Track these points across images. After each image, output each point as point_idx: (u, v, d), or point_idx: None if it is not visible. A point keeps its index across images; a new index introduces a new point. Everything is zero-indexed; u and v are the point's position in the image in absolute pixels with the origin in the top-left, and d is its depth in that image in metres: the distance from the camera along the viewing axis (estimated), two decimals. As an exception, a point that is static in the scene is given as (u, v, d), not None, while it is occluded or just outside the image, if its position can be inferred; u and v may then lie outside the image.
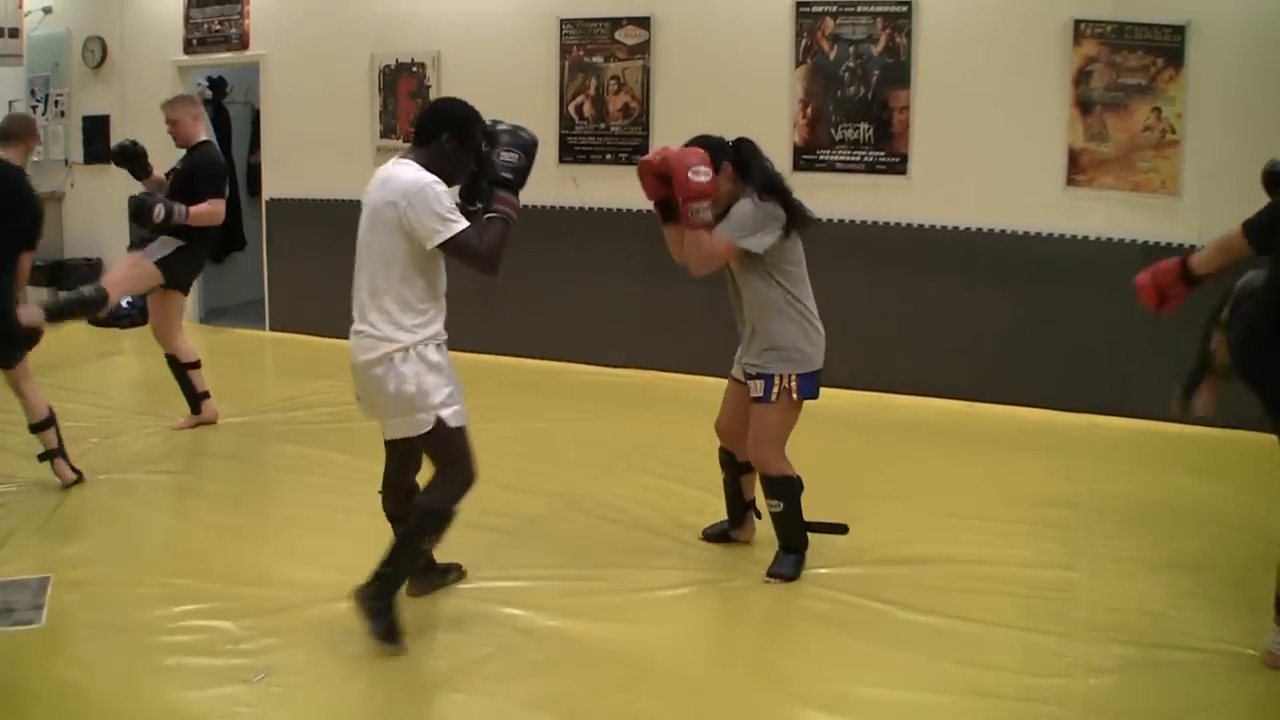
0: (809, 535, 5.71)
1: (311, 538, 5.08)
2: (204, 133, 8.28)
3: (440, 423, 4.74)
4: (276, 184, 11.89)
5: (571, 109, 10.30)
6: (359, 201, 4.85)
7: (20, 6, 13.45)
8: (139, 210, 7.72)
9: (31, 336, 6.86)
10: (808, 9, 9.28)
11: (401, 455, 4.99)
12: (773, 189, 5.41)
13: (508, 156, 4.80)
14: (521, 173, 4.86)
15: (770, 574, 5.58)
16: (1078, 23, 8.50)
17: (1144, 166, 8.47)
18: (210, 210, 7.92)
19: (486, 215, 4.75)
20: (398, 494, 5.14)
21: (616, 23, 10.02)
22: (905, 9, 8.98)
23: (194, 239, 8.00)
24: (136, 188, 8.24)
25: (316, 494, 5.10)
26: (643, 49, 9.96)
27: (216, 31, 11.98)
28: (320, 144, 11.02)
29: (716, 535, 6.08)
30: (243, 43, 11.87)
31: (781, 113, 9.47)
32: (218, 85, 13.18)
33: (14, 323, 6.69)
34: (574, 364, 10.33)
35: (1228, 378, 5.13)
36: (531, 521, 6.45)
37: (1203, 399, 5.28)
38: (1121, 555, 5.88)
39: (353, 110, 11.08)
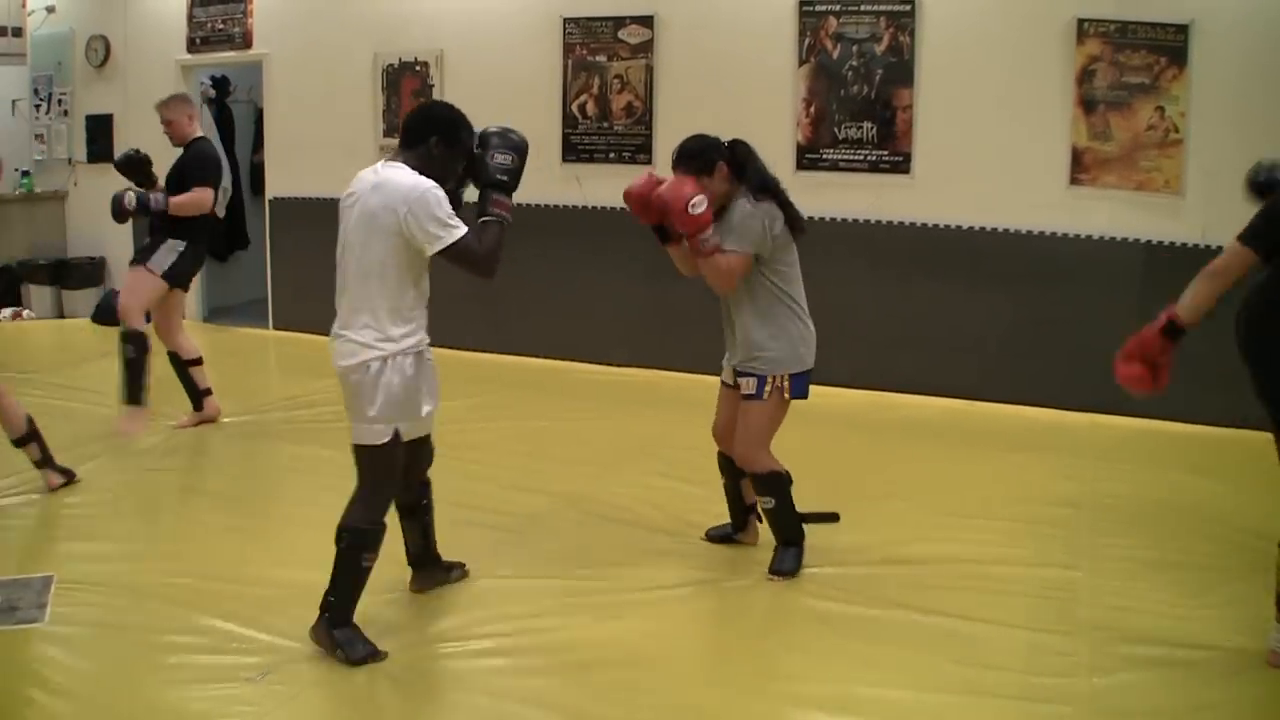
0: (805, 527, 5.72)
1: (314, 537, 5.06)
2: (199, 130, 8.29)
3: (395, 437, 4.71)
4: (280, 183, 11.90)
5: (575, 108, 10.30)
6: (357, 201, 4.83)
7: (23, 5, 13.46)
8: (113, 207, 7.83)
9: None
10: (811, 8, 9.28)
11: (411, 449, 4.96)
12: (768, 190, 5.46)
13: (501, 159, 4.77)
14: (515, 175, 4.85)
15: (773, 571, 5.59)
16: (1081, 22, 8.49)
17: (1147, 166, 8.47)
18: (193, 199, 7.90)
19: (482, 219, 4.73)
20: (409, 481, 5.12)
21: (620, 21, 10.01)
22: (908, 8, 8.97)
23: (193, 237, 8.01)
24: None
25: (319, 493, 5.11)
26: (646, 48, 9.95)
27: (220, 30, 11.98)
28: (323, 143, 11.02)
29: (719, 538, 6.07)
30: (246, 42, 11.88)
31: (784, 112, 9.47)
32: (221, 84, 13.18)
33: None
34: (577, 363, 10.33)
35: None
36: (534, 520, 6.45)
37: None
38: (1124, 554, 5.87)
39: (356, 109, 11.09)
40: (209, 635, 4.94)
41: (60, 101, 13.27)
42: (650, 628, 5.15)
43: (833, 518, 5.85)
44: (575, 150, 10.34)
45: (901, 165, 9.19)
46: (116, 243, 12.47)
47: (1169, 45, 8.29)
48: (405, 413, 4.70)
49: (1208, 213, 8.09)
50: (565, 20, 10.23)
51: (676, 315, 9.38)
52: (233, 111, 13.41)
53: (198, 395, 8.37)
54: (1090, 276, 8.67)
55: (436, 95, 10.78)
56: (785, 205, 5.50)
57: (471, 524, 6.36)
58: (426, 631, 5.04)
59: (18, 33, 13.61)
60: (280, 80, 11.81)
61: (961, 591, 5.47)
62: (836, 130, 9.34)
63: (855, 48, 9.17)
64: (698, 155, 5.44)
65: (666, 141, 5.60)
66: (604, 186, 9.96)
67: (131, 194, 7.80)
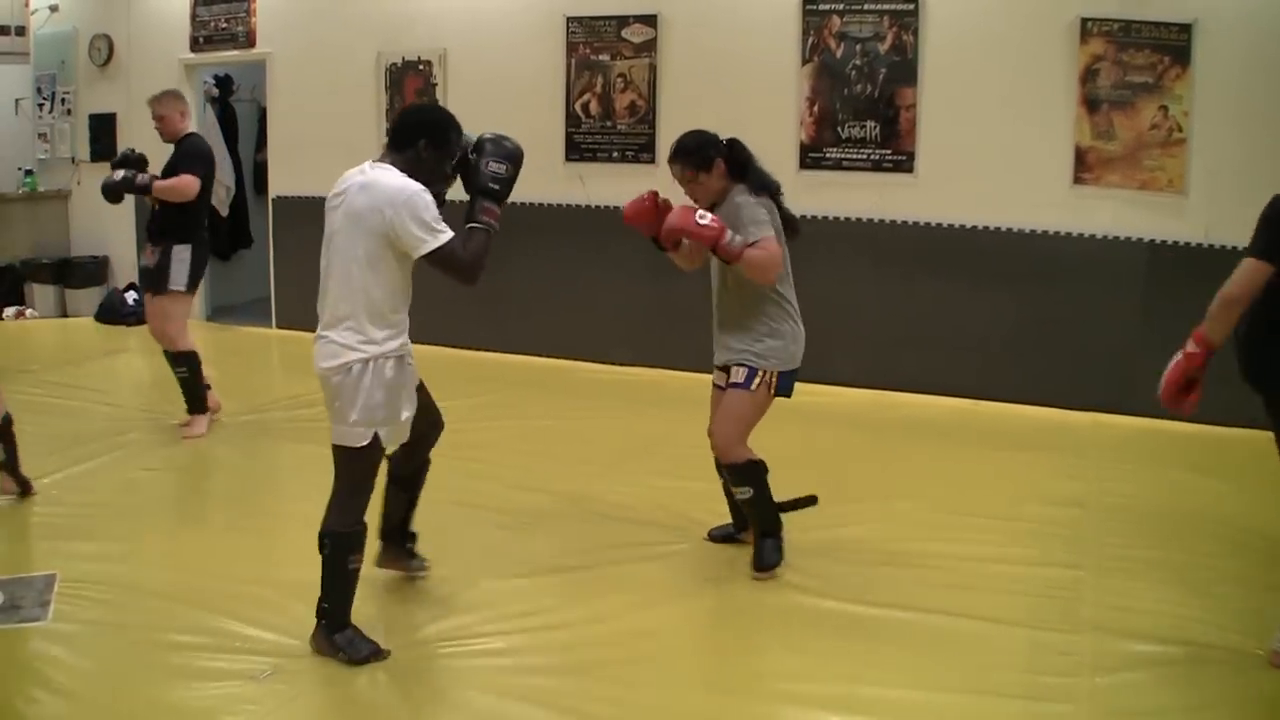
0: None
1: (316, 536, 5.06)
2: (190, 126, 8.32)
3: (375, 440, 4.69)
4: (283, 182, 11.92)
5: (578, 107, 10.29)
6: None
7: (26, 4, 13.46)
8: (103, 186, 7.96)
9: None
10: (814, 7, 9.27)
11: (418, 423, 4.95)
12: (767, 190, 5.51)
13: (496, 167, 4.74)
14: (508, 184, 4.83)
15: (756, 569, 5.59)
16: (1084, 21, 8.49)
17: (1150, 165, 8.46)
18: (177, 184, 7.87)
19: (469, 225, 4.70)
20: (409, 455, 5.14)
21: (623, 20, 10.01)
22: (912, 7, 8.97)
23: (195, 238, 8.02)
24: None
25: (321, 492, 5.10)
26: (649, 47, 9.95)
27: (223, 30, 11.99)
28: (327, 142, 11.01)
29: (722, 537, 6.07)
30: (249, 41, 11.88)
31: (788, 111, 9.47)
32: (224, 83, 13.19)
33: None
34: (580, 362, 10.34)
35: None
36: (536, 519, 6.45)
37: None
38: (1127, 554, 5.87)
39: (359, 108, 11.08)
40: (211, 634, 4.94)
41: (63, 100, 13.27)
42: (652, 627, 5.15)
43: (810, 501, 5.86)
44: (578, 149, 10.34)
45: (905, 164, 9.18)
46: (119, 242, 12.50)
47: (1172, 44, 8.28)
48: (385, 416, 4.68)
49: (1211, 212, 8.10)
50: (568, 19, 10.23)
51: (679, 314, 9.36)
52: (236, 110, 13.42)
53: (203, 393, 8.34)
54: (1094, 276, 8.67)
55: (440, 95, 10.81)
56: (781, 207, 5.54)
57: (474, 522, 6.37)
58: (428, 630, 5.04)
59: (21, 31, 13.62)
60: (283, 79, 11.82)
61: (964, 590, 5.47)
62: (840, 129, 9.34)
63: (859, 47, 9.17)
64: (695, 151, 5.48)
65: (669, 140, 5.58)
66: (607, 186, 9.96)
67: (120, 172, 7.87)
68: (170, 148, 8.09)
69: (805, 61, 9.38)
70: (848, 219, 9.35)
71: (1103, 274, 8.64)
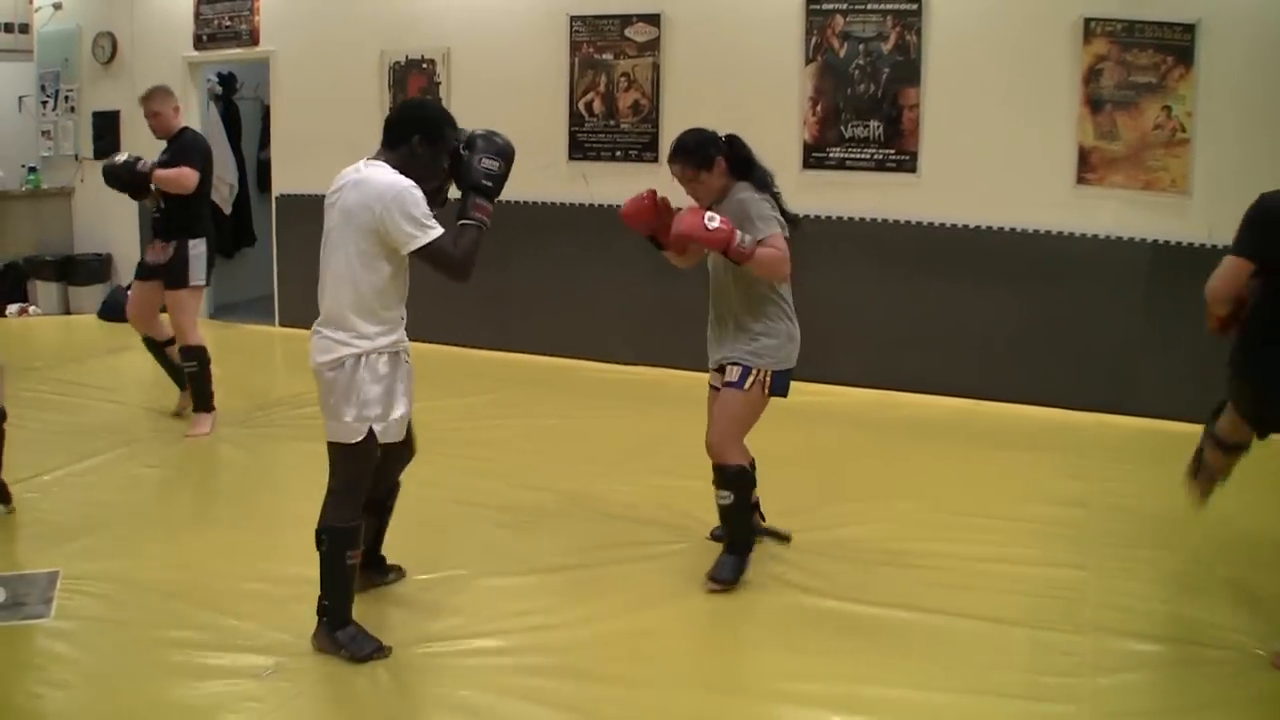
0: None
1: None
2: (183, 121, 8.36)
3: (370, 436, 4.69)
4: (286, 180, 11.92)
5: (581, 106, 10.30)
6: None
7: (30, 2, 13.47)
8: (105, 171, 8.04)
9: None
10: (818, 6, 9.27)
11: (388, 447, 4.95)
12: (768, 190, 5.45)
13: (489, 164, 4.72)
14: (500, 180, 4.78)
15: (712, 580, 5.47)
16: (1088, 21, 8.49)
17: (1154, 165, 8.46)
18: (177, 175, 7.89)
19: (461, 222, 4.68)
20: (381, 477, 5.10)
21: (626, 20, 10.02)
22: (915, 7, 8.97)
23: (206, 232, 8.15)
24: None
25: (324, 490, 5.13)
26: (653, 46, 9.95)
27: (227, 28, 11.99)
28: (330, 140, 10.98)
29: (723, 536, 6.01)
30: (253, 39, 11.89)
31: (791, 110, 9.47)
32: (228, 81, 13.20)
33: None
34: (583, 361, 10.34)
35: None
36: (539, 518, 6.45)
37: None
38: (1130, 554, 5.86)
39: (363, 106, 11.07)
40: (213, 631, 4.95)
41: (67, 98, 13.28)
42: (654, 626, 5.15)
43: (784, 538, 5.80)
44: (582, 148, 10.34)
45: (908, 164, 9.18)
46: (123, 240, 12.50)
47: (1176, 44, 8.28)
48: (380, 412, 4.68)
49: (1214, 212, 8.08)
50: (572, 18, 10.23)
51: (683, 313, 9.32)
52: (239, 109, 13.43)
53: (180, 374, 8.46)
54: (1097, 276, 8.66)
55: (443, 93, 10.81)
56: (781, 207, 5.49)
57: (477, 521, 6.37)
58: (430, 629, 5.04)
59: (24, 29, 13.63)
60: (287, 77, 11.82)
61: (966, 590, 5.47)
62: (843, 129, 9.34)
63: (862, 46, 9.17)
64: (695, 150, 5.43)
65: (672, 140, 5.57)
66: (610, 185, 9.96)
67: (121, 155, 7.95)
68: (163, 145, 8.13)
69: (808, 61, 9.38)
70: (851, 219, 9.36)
71: (1106, 274, 8.64)
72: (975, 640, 4.99)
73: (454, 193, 4.86)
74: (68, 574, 5.50)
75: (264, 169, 13.08)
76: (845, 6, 9.17)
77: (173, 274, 8.09)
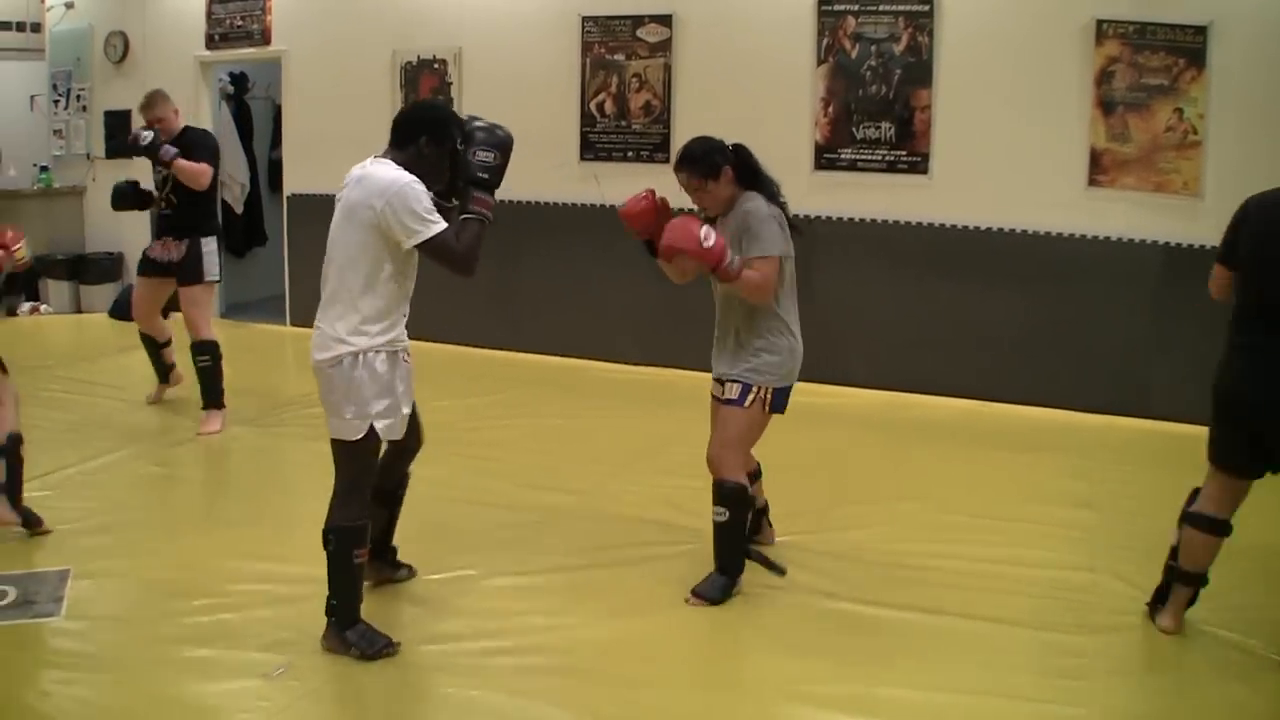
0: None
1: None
2: (183, 120, 8.41)
3: (371, 432, 4.70)
4: (298, 179, 11.94)
5: (593, 106, 10.30)
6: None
7: (42, 1, 13.49)
8: (131, 144, 8.06)
9: None
10: (829, 8, 9.27)
11: (396, 441, 4.95)
12: (775, 199, 5.35)
13: (484, 156, 4.68)
14: (497, 172, 4.73)
15: (694, 593, 5.40)
16: (1100, 23, 8.48)
17: (1165, 167, 8.45)
18: (195, 169, 7.96)
19: (462, 216, 4.66)
20: (387, 469, 5.13)
21: (638, 20, 10.02)
22: (927, 8, 8.96)
23: (217, 229, 8.36)
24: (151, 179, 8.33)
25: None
26: (664, 46, 9.95)
27: (238, 27, 12.01)
28: (342, 140, 10.96)
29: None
30: (264, 38, 11.91)
31: (803, 111, 9.47)
32: (239, 81, 13.21)
33: None
34: (592, 361, 10.35)
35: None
36: (548, 518, 6.45)
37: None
38: (1138, 556, 5.83)
39: (374, 106, 11.07)
40: (223, 630, 4.96)
41: (79, 97, 13.30)
42: (663, 626, 5.16)
43: (779, 571, 5.64)
44: (593, 149, 10.34)
45: (919, 165, 9.17)
46: (134, 239, 12.48)
47: (1188, 47, 8.27)
48: (382, 410, 4.69)
49: (1226, 215, 7.99)
50: (584, 19, 10.23)
51: (691, 314, 9.31)
52: (251, 108, 13.44)
53: (166, 370, 8.76)
54: (1108, 278, 8.66)
55: (455, 93, 10.83)
56: (787, 213, 5.39)
57: (486, 521, 6.37)
58: (439, 628, 5.05)
59: (36, 28, 13.66)
60: (298, 77, 11.83)
61: (975, 592, 5.47)
62: (855, 130, 9.33)
63: (874, 47, 9.17)
64: (702, 159, 5.32)
65: (684, 140, 5.54)
66: (622, 185, 9.88)
67: (148, 132, 7.92)
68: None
69: (820, 62, 9.38)
70: (862, 220, 9.35)
71: (1117, 276, 8.63)
72: (983, 642, 4.99)
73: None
74: (78, 572, 5.51)
75: (275, 169, 13.07)
76: (857, 7, 9.17)
77: (188, 270, 8.18)
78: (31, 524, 6.02)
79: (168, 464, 7.57)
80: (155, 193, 8.21)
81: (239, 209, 12.71)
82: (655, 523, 6.35)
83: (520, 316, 10.76)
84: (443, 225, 4.53)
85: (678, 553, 5.93)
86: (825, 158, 9.45)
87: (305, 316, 11.53)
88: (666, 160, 9.66)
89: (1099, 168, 8.64)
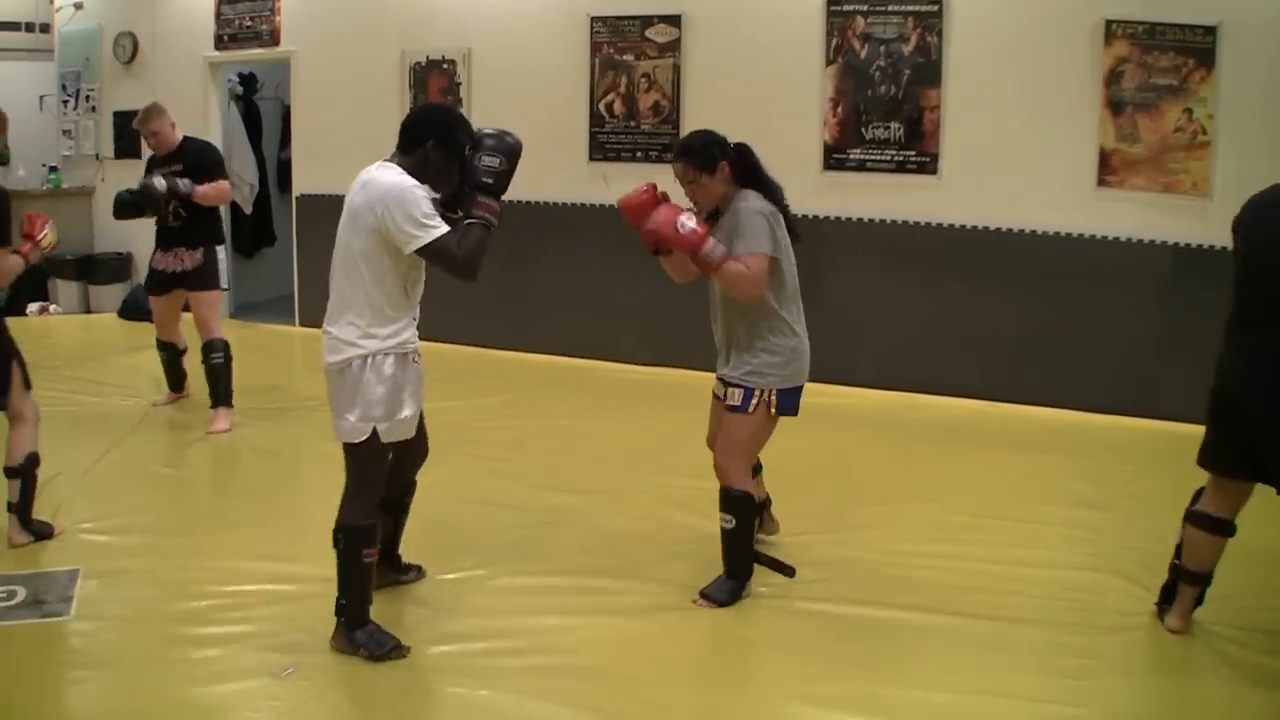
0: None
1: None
2: (180, 132, 8.47)
3: (374, 435, 4.70)
4: (307, 180, 11.94)
5: (602, 107, 10.30)
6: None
7: (51, 2, 13.51)
8: (144, 196, 8.05)
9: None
10: (838, 8, 9.26)
11: (401, 447, 4.95)
12: (775, 199, 5.26)
13: (489, 161, 4.66)
14: (502, 177, 4.70)
15: (702, 594, 5.39)
16: (1109, 23, 8.47)
17: (1175, 168, 8.44)
18: (218, 190, 8.22)
19: (466, 221, 4.64)
20: (396, 477, 5.14)
21: (647, 20, 10.02)
22: (936, 8, 8.96)
23: (223, 237, 8.52)
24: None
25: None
26: (673, 47, 9.95)
27: (247, 28, 12.02)
28: (351, 140, 11.00)
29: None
30: (273, 39, 11.91)
31: (812, 111, 9.46)
32: (248, 81, 13.22)
33: None
34: (600, 361, 10.35)
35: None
36: (557, 518, 6.47)
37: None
38: (1146, 557, 5.81)
39: (383, 107, 11.08)
40: (233, 630, 4.97)
41: (88, 98, 13.32)
42: (672, 626, 5.16)
43: (789, 571, 5.63)
44: (602, 149, 10.34)
45: (928, 166, 9.17)
46: (143, 239, 12.45)
47: (1197, 47, 8.26)
48: (384, 412, 4.69)
49: (1235, 215, 8.06)
50: (593, 19, 10.24)
51: (699, 315, 9.28)
52: (260, 109, 13.44)
53: (180, 379, 8.85)
54: (1117, 278, 8.65)
55: (464, 94, 10.83)
56: (788, 216, 5.31)
57: (495, 521, 6.38)
58: (450, 629, 5.05)
59: (45, 29, 13.68)
60: (307, 77, 11.84)
61: (981, 592, 5.47)
62: (863, 130, 9.33)
63: (883, 48, 9.16)
64: (699, 151, 5.26)
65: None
66: (630, 186, 9.90)
67: (161, 180, 7.99)
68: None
69: (829, 62, 9.38)
70: (871, 220, 9.35)
71: (1126, 277, 8.62)
72: (988, 642, 4.99)
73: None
74: (87, 572, 5.52)
75: (284, 169, 13.09)
76: (866, 8, 9.17)
77: (203, 278, 8.34)
78: (43, 536, 6.01)
79: (177, 464, 7.60)
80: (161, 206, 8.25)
81: (248, 209, 12.73)
82: (663, 523, 6.36)
83: (529, 317, 10.77)
84: (442, 230, 4.53)
85: (685, 553, 5.92)
86: (834, 158, 9.45)
87: (314, 316, 11.56)
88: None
89: (1108, 168, 8.63)
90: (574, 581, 5.59)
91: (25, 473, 5.93)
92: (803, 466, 6.92)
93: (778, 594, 5.46)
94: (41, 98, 13.54)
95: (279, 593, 5.33)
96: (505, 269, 10.11)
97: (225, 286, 8.55)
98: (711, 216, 5.33)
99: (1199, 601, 5.08)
